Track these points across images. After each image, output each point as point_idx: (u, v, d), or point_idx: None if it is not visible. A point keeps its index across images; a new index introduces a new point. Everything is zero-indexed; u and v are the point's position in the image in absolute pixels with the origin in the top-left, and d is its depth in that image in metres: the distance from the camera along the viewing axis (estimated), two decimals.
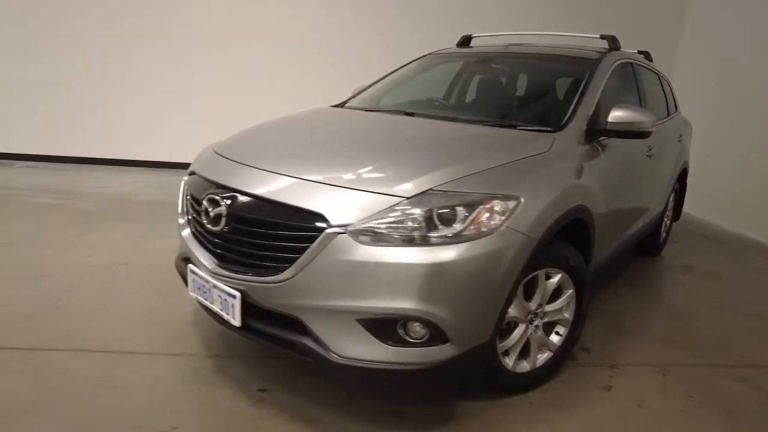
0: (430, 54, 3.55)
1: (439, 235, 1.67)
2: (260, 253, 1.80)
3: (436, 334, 1.68)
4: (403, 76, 3.41)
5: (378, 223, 1.67)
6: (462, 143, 2.17)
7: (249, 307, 1.84)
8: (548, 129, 2.33)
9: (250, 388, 2.11)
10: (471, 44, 3.69)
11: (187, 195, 2.19)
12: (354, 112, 2.92)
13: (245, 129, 2.61)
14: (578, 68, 2.80)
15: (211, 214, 1.89)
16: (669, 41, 6.57)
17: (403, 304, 1.63)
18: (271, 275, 1.76)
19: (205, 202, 1.93)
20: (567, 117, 2.40)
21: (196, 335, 2.50)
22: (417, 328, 1.69)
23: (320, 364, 1.76)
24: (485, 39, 3.64)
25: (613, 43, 3.11)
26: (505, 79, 3.04)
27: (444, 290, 1.65)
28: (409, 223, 1.67)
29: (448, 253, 1.64)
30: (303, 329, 1.76)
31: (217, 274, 1.90)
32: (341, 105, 3.22)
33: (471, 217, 1.69)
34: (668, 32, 6.59)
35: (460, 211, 1.70)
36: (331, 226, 1.67)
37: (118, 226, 4.09)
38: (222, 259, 1.92)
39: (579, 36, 3.36)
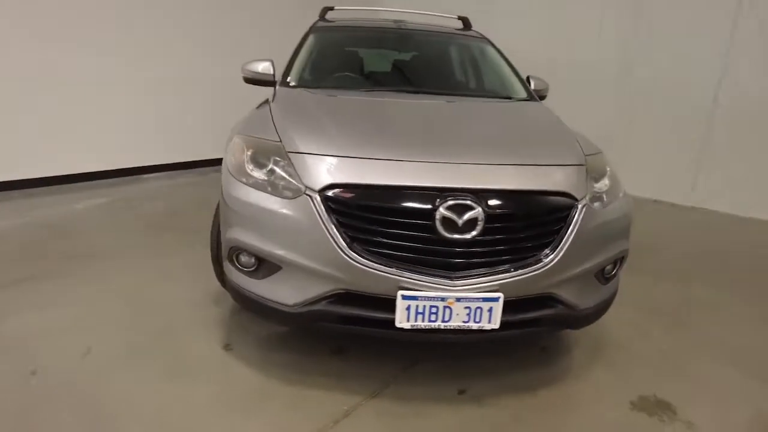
0: (319, 26, 3.39)
1: (606, 188, 2.09)
2: (520, 246, 1.78)
3: (621, 263, 2.16)
4: (321, 51, 3.19)
5: (592, 190, 1.96)
6: (523, 116, 2.52)
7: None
8: (527, 98, 2.91)
9: (449, 396, 2.01)
10: (327, 16, 3.71)
11: (353, 212, 1.74)
12: (372, 94, 2.72)
13: (302, 123, 2.12)
14: (481, 45, 3.43)
15: (460, 222, 1.67)
16: None
17: (622, 246, 2.04)
18: (535, 263, 1.78)
19: (444, 212, 1.67)
20: (525, 87, 3.04)
21: (312, 393, 1.99)
22: (609, 267, 2.11)
23: (568, 323, 1.96)
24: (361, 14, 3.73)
25: (469, 23, 3.85)
26: (436, 54, 3.34)
27: (630, 227, 2.14)
28: (599, 184, 2.04)
29: (629, 199, 2.12)
30: (551, 302, 1.89)
31: (465, 285, 1.72)
32: (286, 84, 2.79)
33: (609, 171, 2.19)
34: None
35: (607, 169, 2.17)
36: (577, 201, 1.85)
37: None
38: (466, 268, 1.74)
39: (438, 15, 3.94)
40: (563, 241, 1.82)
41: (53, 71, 4.50)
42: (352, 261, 1.73)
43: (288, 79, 2.84)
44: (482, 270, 1.76)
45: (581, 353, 2.38)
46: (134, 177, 5.22)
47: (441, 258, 1.74)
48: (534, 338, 2.42)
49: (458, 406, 1.96)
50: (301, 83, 2.83)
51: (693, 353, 2.43)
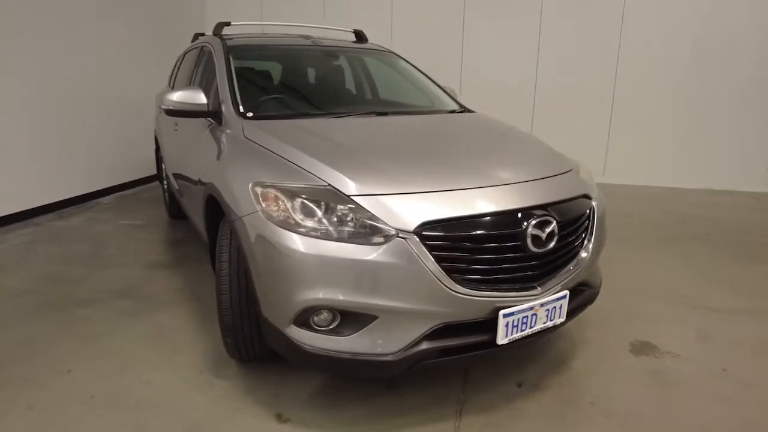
0: (233, 45, 3.09)
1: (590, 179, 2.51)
2: (572, 246, 2.03)
3: None
4: (251, 73, 2.95)
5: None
6: (494, 130, 2.76)
7: None
8: (464, 110, 3.18)
9: (514, 391, 2.19)
10: (223, 31, 3.42)
11: (452, 245, 1.75)
12: (345, 120, 2.63)
13: (346, 162, 1.98)
14: (395, 60, 3.58)
15: (543, 235, 1.84)
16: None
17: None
18: (579, 259, 2.07)
19: (531, 230, 1.83)
20: (453, 98, 3.32)
21: None
22: None
23: (590, 302, 2.31)
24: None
25: (365, 36, 3.94)
26: (367, 71, 3.34)
27: None
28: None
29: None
30: (583, 287, 2.21)
31: (547, 290, 1.91)
32: (242, 116, 2.51)
33: (581, 168, 2.60)
34: None
35: (580, 165, 2.58)
36: (593, 199, 2.20)
37: None
38: (544, 276, 1.92)
39: (333, 29, 3.93)
40: (593, 235, 2.15)
41: None
42: (454, 293, 1.75)
43: (241, 110, 2.55)
44: (555, 274, 1.98)
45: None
46: None
47: (529, 272, 1.89)
48: None
49: (529, 396, 2.14)
50: (258, 113, 2.58)
51: (634, 298, 3.09)
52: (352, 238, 1.74)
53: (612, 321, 2.82)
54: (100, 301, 2.99)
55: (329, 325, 1.79)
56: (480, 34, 6.36)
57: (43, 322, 2.73)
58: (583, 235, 2.14)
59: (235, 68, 2.85)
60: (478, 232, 1.80)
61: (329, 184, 1.85)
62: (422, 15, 6.51)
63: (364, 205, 1.77)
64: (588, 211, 2.17)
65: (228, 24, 3.43)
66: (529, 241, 1.84)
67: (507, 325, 1.85)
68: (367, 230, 1.75)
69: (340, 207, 1.79)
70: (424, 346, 1.80)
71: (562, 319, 2.03)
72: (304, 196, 1.83)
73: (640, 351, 2.52)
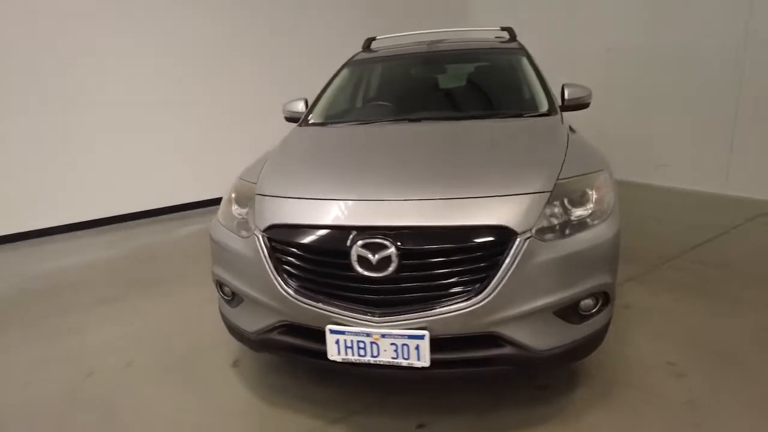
0: (354, 59, 3.56)
1: (587, 214, 1.88)
2: (445, 282, 1.73)
3: (606, 300, 1.92)
4: (347, 84, 3.38)
5: (547, 220, 1.80)
6: (518, 136, 2.38)
7: (433, 343, 1.75)
8: (544, 113, 2.69)
9: (407, 430, 1.99)
10: (372, 46, 3.83)
11: (287, 250, 1.89)
12: (367, 127, 2.80)
13: (274, 165, 2.31)
14: (511, 58, 3.25)
15: (374, 260, 1.71)
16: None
17: (597, 281, 1.83)
18: (465, 301, 1.71)
19: (359, 250, 1.73)
20: (548, 101, 2.81)
21: (283, 414, 2.15)
22: (590, 301, 1.89)
23: (521, 364, 1.83)
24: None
25: (513, 33, 3.66)
26: (459, 75, 3.30)
27: (613, 259, 1.90)
28: (566, 212, 1.85)
29: (611, 227, 1.89)
30: (498, 342, 1.78)
31: (389, 322, 1.74)
32: (305, 123, 3.02)
33: (595, 195, 1.95)
34: None
35: (589, 192, 1.95)
36: (518, 234, 1.72)
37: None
38: (390, 305, 1.76)
39: (481, 29, 3.85)
40: (498, 277, 1.70)
41: (142, 125, 5.36)
42: (288, 296, 1.86)
43: (309, 117, 3.08)
44: (407, 307, 1.74)
45: (586, 393, 2.13)
46: None
47: (363, 295, 1.78)
48: (526, 376, 2.24)
49: None
50: (318, 120, 3.04)
51: (733, 405, 2.01)
52: (235, 229, 2.09)
53: (649, 418, 1.97)
54: (188, 276, 3.84)
55: (228, 296, 2.20)
56: None
57: (149, 286, 3.74)
58: (481, 274, 1.71)
59: (343, 79, 3.36)
60: (308, 243, 1.83)
61: (255, 183, 2.22)
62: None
63: (255, 203, 2.08)
64: (499, 247, 1.72)
65: (374, 39, 3.92)
66: (354, 261, 1.72)
67: (337, 343, 1.80)
68: (246, 225, 2.06)
69: (252, 202, 2.15)
70: (275, 336, 1.98)
71: (424, 364, 1.75)
72: (239, 191, 2.27)
73: None
